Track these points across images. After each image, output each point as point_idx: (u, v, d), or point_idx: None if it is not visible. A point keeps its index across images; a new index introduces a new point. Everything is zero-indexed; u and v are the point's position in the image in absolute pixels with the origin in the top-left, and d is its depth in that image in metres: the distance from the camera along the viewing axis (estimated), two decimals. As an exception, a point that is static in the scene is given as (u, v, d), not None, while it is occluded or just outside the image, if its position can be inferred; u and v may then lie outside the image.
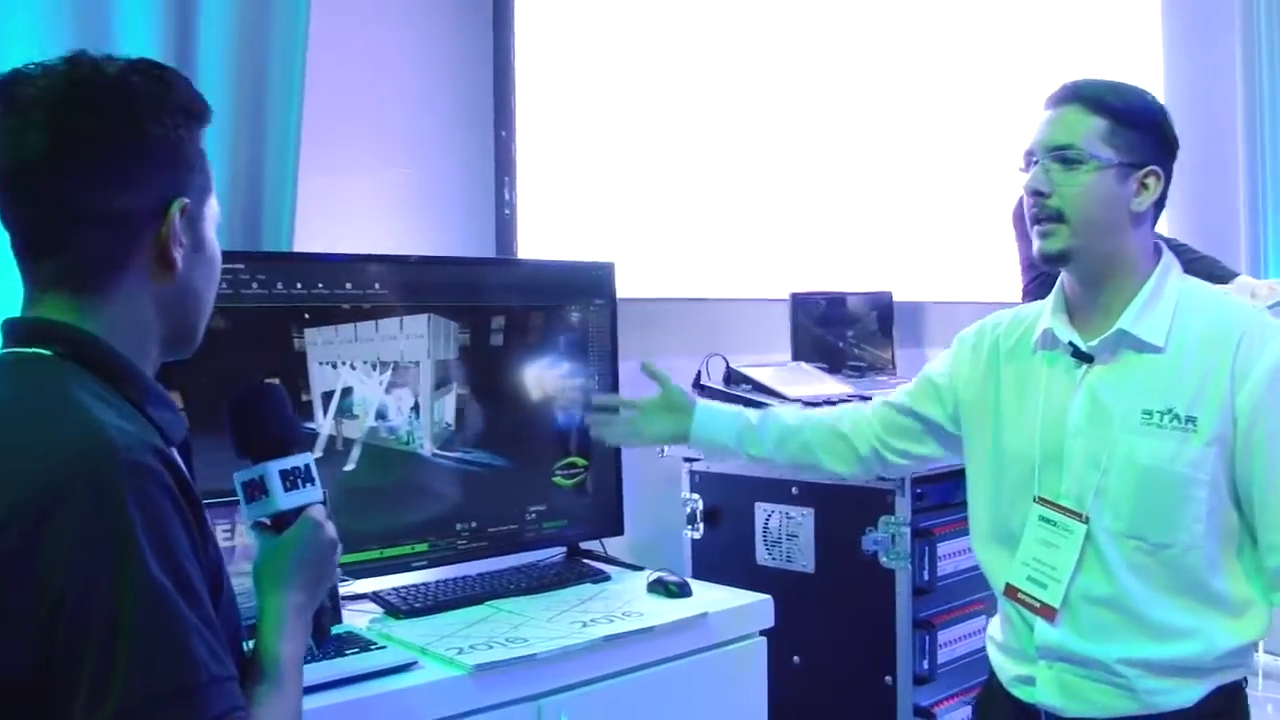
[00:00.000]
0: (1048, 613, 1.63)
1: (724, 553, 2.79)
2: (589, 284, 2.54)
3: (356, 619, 2.04)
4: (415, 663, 1.83)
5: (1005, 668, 1.74)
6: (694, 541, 2.88)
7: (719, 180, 3.25)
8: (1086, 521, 1.61)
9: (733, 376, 2.87)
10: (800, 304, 3.16)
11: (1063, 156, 1.60)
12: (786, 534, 2.69)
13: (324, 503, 1.26)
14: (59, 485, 0.95)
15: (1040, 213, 1.62)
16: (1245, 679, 1.64)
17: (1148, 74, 4.75)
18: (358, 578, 2.13)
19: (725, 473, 2.78)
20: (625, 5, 3.10)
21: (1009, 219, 3.42)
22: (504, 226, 2.90)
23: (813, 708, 2.63)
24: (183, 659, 0.95)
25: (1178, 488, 1.56)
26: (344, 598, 2.06)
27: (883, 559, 2.46)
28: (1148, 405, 1.58)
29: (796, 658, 2.63)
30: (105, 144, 1.06)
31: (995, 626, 1.80)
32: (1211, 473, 1.55)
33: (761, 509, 2.73)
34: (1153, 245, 1.67)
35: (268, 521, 1.23)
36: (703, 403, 2.07)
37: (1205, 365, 1.57)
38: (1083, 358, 1.65)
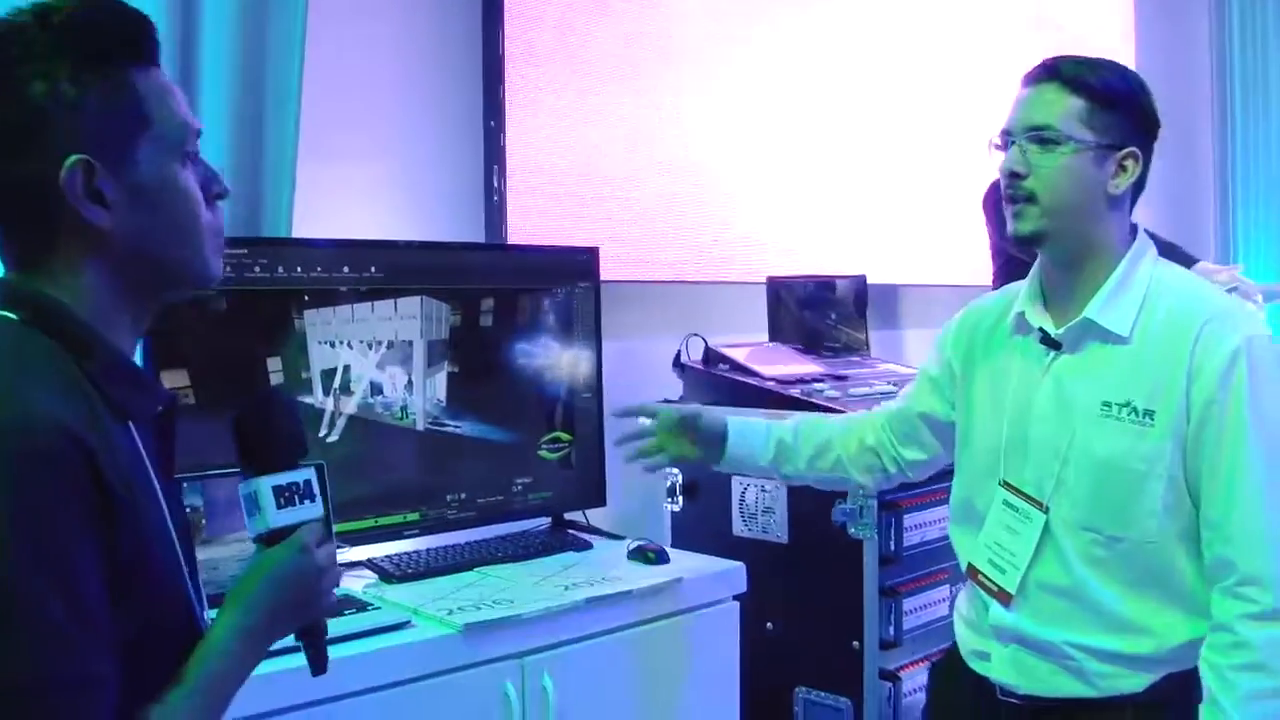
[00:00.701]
0: (1004, 598, 1.64)
1: (702, 524, 2.92)
2: (574, 268, 2.67)
3: (353, 583, 2.16)
4: (408, 622, 1.96)
5: (966, 640, 1.76)
6: (674, 514, 3.01)
7: (702, 167, 3.36)
8: (1046, 511, 1.60)
9: (711, 356, 2.99)
10: (777, 287, 3.28)
11: (1040, 137, 1.57)
12: (762, 506, 2.82)
13: (325, 520, 1.19)
14: None
15: (1016, 193, 1.58)
16: (1198, 666, 1.58)
17: (1118, 54, 4.86)
18: (353, 545, 2.26)
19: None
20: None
21: (980, 204, 3.55)
22: (493, 212, 3.02)
23: (785, 671, 2.78)
24: (14, 657, 0.91)
25: (1133, 481, 1.54)
26: (340, 564, 2.18)
27: (851, 529, 2.59)
28: (1107, 397, 1.56)
29: (770, 624, 2.77)
30: None
31: (962, 600, 1.80)
32: (1168, 467, 1.53)
33: (738, 482, 2.86)
34: (1129, 229, 1.64)
35: (265, 537, 1.16)
36: (734, 423, 1.96)
37: (1166, 357, 1.54)
38: (1052, 345, 1.63)
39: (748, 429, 1.97)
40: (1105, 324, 1.59)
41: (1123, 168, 1.59)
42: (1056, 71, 1.59)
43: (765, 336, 3.26)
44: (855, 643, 2.62)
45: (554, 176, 3.05)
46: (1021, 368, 1.67)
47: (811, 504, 2.69)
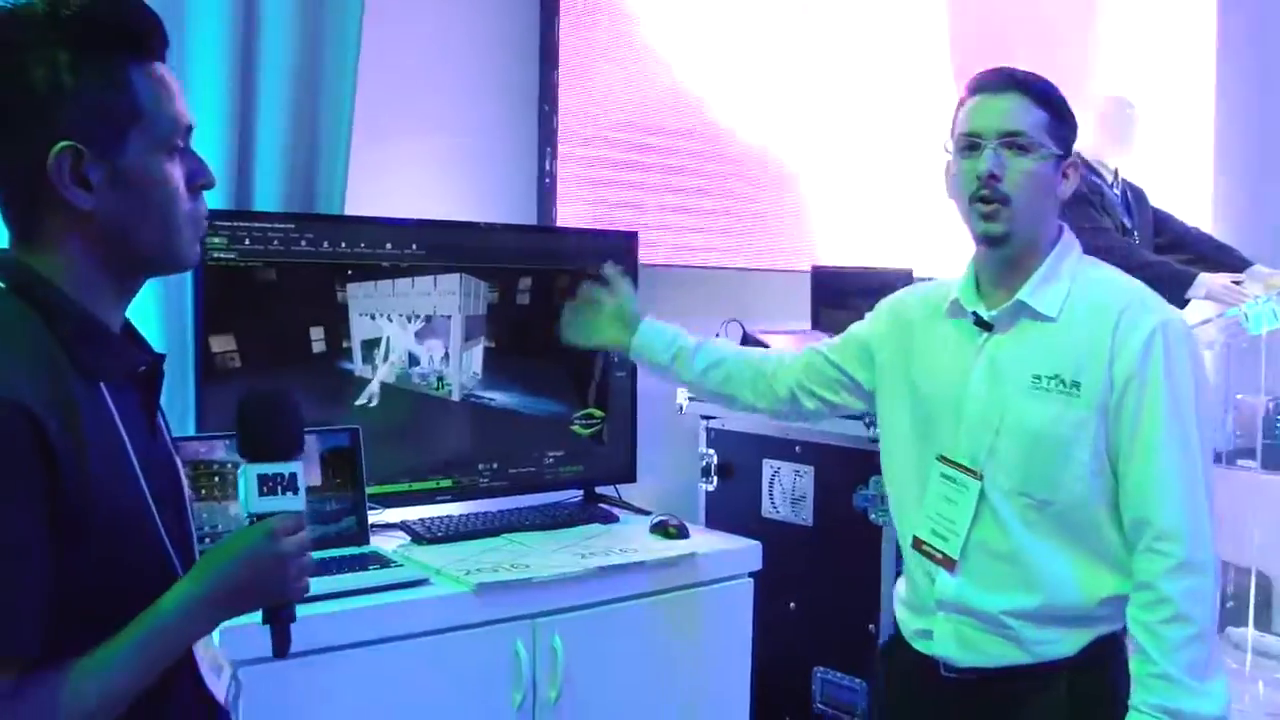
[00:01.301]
0: (948, 564, 1.72)
1: (734, 504, 3.00)
2: (612, 250, 2.75)
3: (386, 543, 2.29)
4: (427, 580, 2.09)
5: (907, 622, 1.83)
6: (708, 493, 3.10)
7: (750, 155, 3.43)
8: (980, 479, 1.70)
9: (747, 340, 3.06)
10: (820, 277, 3.33)
11: (1014, 143, 1.66)
12: (789, 489, 2.89)
13: (300, 515, 1.23)
14: None
15: (992, 195, 1.67)
16: (1122, 629, 1.70)
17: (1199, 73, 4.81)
18: (387, 507, 2.39)
19: (738, 430, 2.98)
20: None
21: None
22: (544, 195, 3.13)
23: (805, 651, 2.85)
24: None
25: (1060, 448, 1.65)
26: (375, 525, 2.31)
27: (871, 515, 2.65)
28: (1037, 370, 1.67)
29: (792, 603, 2.85)
30: None
31: (901, 585, 1.89)
32: (1093, 435, 1.64)
33: (768, 465, 2.94)
34: (1059, 227, 1.76)
35: (250, 519, 1.22)
36: (648, 320, 2.10)
37: (1090, 335, 1.65)
38: (984, 326, 1.74)
39: (657, 329, 2.10)
40: (1036, 306, 1.70)
41: (1066, 176, 1.73)
42: (1019, 83, 1.70)
43: (809, 325, 3.32)
44: (871, 626, 2.68)
45: (604, 161, 3.14)
46: (955, 349, 1.77)
47: (834, 488, 2.76)
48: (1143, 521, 1.64)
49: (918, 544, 1.78)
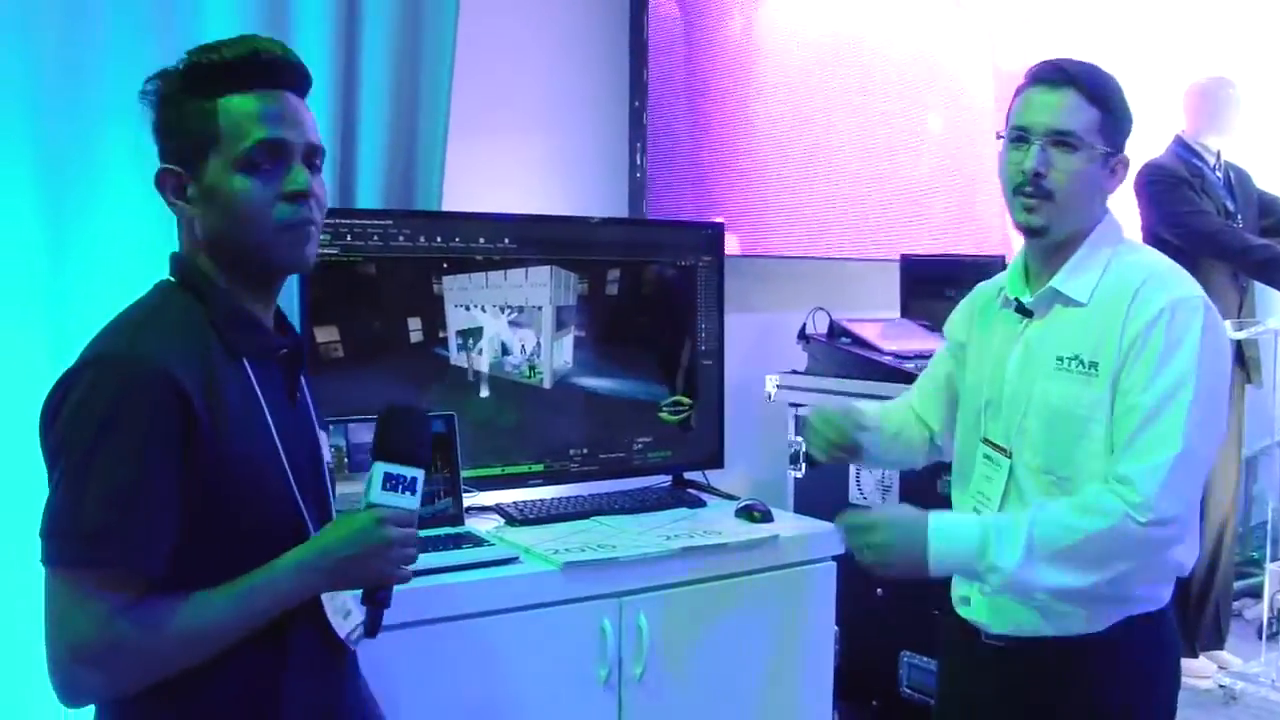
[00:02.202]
0: None
1: (822, 492, 3.04)
2: (699, 242, 2.83)
3: (481, 524, 2.40)
4: (517, 558, 2.18)
5: (956, 587, 1.91)
6: (796, 480, 3.15)
7: (840, 145, 3.46)
8: (1010, 457, 1.77)
9: (835, 329, 3.11)
10: (910, 266, 3.35)
11: (1064, 141, 1.69)
12: (878, 476, 2.93)
13: (412, 514, 1.38)
14: (81, 370, 1.25)
15: (1035, 190, 1.70)
16: (1165, 609, 1.74)
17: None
18: (481, 490, 2.49)
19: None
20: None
21: (1132, 187, 3.53)
22: (636, 188, 3.21)
23: (892, 635, 2.89)
24: (78, 510, 1.21)
25: (1077, 425, 1.69)
26: (471, 508, 2.42)
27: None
28: (1061, 352, 1.72)
29: (879, 590, 2.88)
30: (154, 134, 1.37)
31: None
32: (1108, 412, 1.67)
33: (855, 452, 2.97)
34: (1101, 214, 1.78)
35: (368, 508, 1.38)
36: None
37: (1109, 314, 1.69)
38: (1024, 312, 1.79)
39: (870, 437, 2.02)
40: (1067, 291, 1.74)
41: (1114, 172, 1.75)
42: (1074, 79, 1.71)
43: (898, 314, 3.35)
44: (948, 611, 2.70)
45: (694, 155, 3.21)
46: (1002, 335, 1.84)
47: (920, 474, 2.77)
48: (1121, 478, 1.63)
49: None
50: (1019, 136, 1.73)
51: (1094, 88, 1.71)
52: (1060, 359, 1.73)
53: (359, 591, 1.41)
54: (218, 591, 1.28)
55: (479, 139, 2.87)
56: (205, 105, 1.32)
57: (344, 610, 1.44)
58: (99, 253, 2.26)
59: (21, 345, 2.19)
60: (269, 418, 1.36)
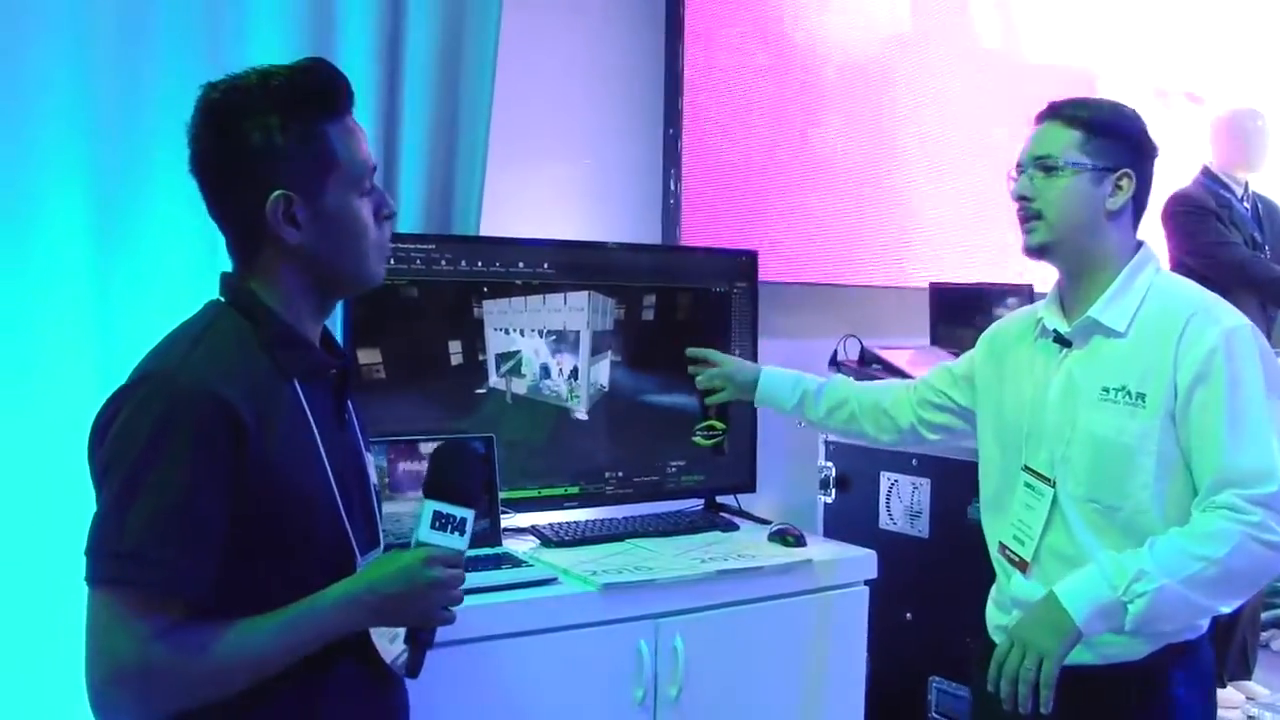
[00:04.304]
0: (1023, 566, 1.84)
1: (852, 516, 3.07)
2: (733, 269, 2.87)
3: (518, 545, 2.43)
4: (555, 579, 2.21)
5: (993, 617, 1.95)
6: (826, 505, 3.17)
7: (869, 172, 3.50)
8: (1053, 485, 1.80)
9: (866, 356, 3.13)
10: (939, 294, 3.38)
11: (1043, 165, 1.81)
12: (907, 501, 2.95)
13: (460, 555, 1.38)
14: (131, 388, 1.27)
15: (1025, 214, 1.84)
16: (1203, 638, 1.80)
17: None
18: (518, 511, 2.53)
19: (855, 444, 3.04)
20: (782, 13, 3.39)
21: (1158, 219, 3.56)
22: (669, 215, 3.25)
23: (921, 660, 2.90)
24: (125, 530, 1.21)
25: (1127, 456, 1.73)
26: (508, 529, 2.45)
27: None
28: (1106, 383, 1.77)
29: (909, 614, 2.90)
30: (216, 161, 1.34)
31: (994, 587, 1.99)
32: (1159, 443, 1.72)
33: (886, 477, 3.00)
34: (1134, 244, 1.85)
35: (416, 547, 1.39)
36: (768, 370, 2.31)
37: (1156, 347, 1.74)
38: (1063, 343, 1.85)
39: (778, 378, 2.31)
40: (1106, 321, 1.79)
41: (1118, 186, 1.80)
42: (1055, 110, 1.85)
43: (926, 341, 3.38)
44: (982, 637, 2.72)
45: (727, 183, 3.25)
46: (1041, 365, 1.88)
47: (950, 500, 2.81)
48: (1210, 485, 1.68)
49: (1002, 549, 1.90)
50: (1017, 170, 1.87)
51: (1073, 114, 1.82)
52: (1106, 389, 1.77)
53: None
54: (260, 620, 1.28)
55: (516, 166, 2.91)
56: (314, 129, 1.34)
57: (390, 635, 1.44)
58: (146, 273, 2.30)
59: (69, 365, 2.22)
60: (318, 438, 1.36)
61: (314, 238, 1.35)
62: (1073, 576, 1.70)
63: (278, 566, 1.31)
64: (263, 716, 1.31)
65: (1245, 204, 3.69)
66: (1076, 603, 1.66)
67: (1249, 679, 3.76)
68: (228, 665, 1.26)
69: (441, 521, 1.37)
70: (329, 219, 1.36)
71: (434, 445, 2.24)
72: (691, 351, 2.34)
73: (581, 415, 2.65)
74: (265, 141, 1.32)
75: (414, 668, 1.40)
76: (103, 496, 1.25)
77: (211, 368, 1.28)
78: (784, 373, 2.32)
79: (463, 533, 1.38)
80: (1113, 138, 1.81)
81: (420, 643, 1.39)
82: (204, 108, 1.35)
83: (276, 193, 1.32)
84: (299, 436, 1.34)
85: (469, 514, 1.39)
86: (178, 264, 2.32)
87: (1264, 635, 4.13)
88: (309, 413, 1.36)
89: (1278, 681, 3.82)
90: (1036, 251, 1.85)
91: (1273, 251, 3.70)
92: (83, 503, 1.96)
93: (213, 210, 1.39)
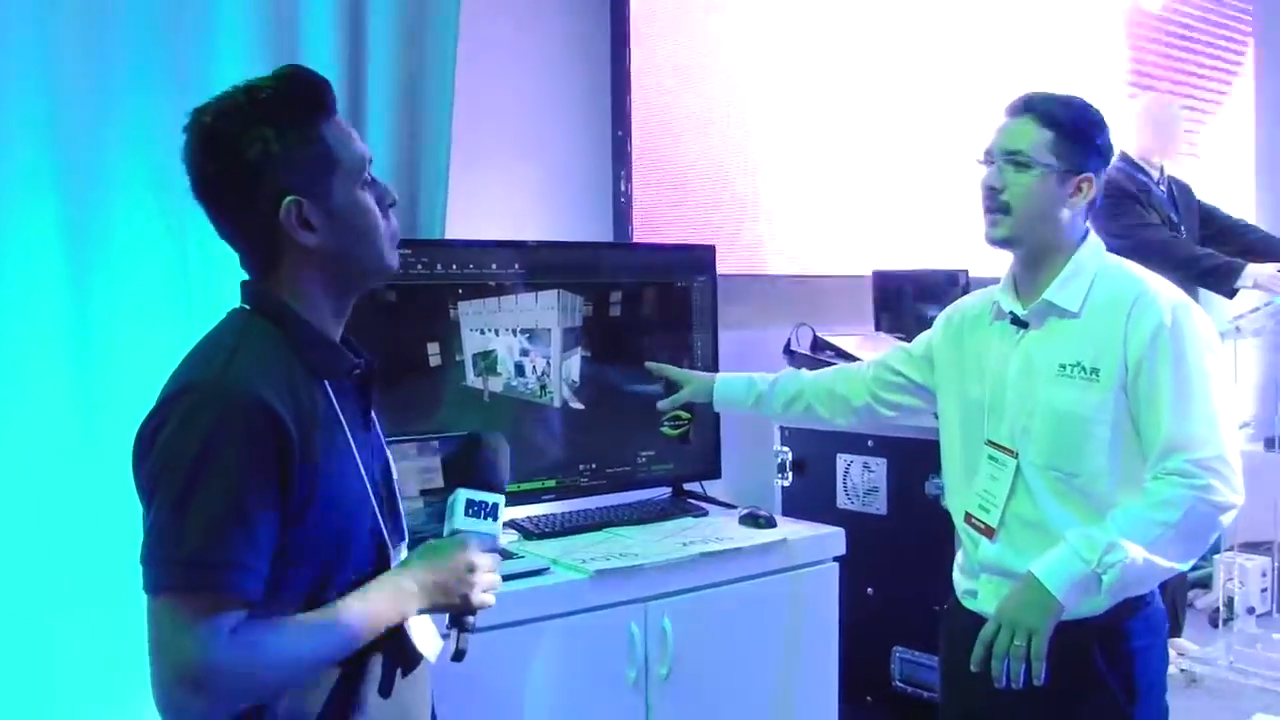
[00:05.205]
0: (989, 532, 1.95)
1: (810, 498, 3.19)
2: (693, 263, 2.97)
3: (502, 539, 2.48)
4: (548, 569, 2.29)
5: (960, 583, 2.07)
6: (784, 488, 3.29)
7: (815, 166, 3.63)
8: (1016, 456, 1.92)
9: (818, 344, 3.26)
10: (882, 280, 3.52)
11: (1015, 160, 1.89)
12: (863, 481, 3.08)
13: (495, 540, 1.45)
14: (175, 398, 1.28)
15: (992, 205, 1.92)
16: (1155, 593, 1.94)
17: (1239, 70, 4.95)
18: (499, 506, 2.59)
19: (811, 428, 3.16)
20: (725, 17, 3.49)
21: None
22: (620, 213, 3.34)
23: (884, 632, 3.04)
24: (181, 539, 1.23)
25: (1083, 426, 1.87)
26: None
27: (943, 501, 2.83)
28: (1063, 360, 1.89)
29: (870, 589, 3.03)
30: (221, 183, 1.36)
31: (959, 554, 2.10)
32: (1113, 414, 1.85)
33: (842, 459, 3.13)
34: (1084, 230, 1.96)
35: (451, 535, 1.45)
36: (722, 377, 2.46)
37: (1107, 325, 1.86)
38: (1020, 324, 1.96)
39: (731, 383, 2.44)
40: (1060, 303, 1.91)
41: (1079, 189, 1.91)
42: (1031, 106, 1.92)
43: (871, 327, 3.51)
44: (945, 605, 2.85)
45: (675, 180, 3.35)
46: (1000, 346, 2.00)
47: (907, 477, 2.94)
48: (1160, 451, 1.82)
49: (968, 518, 2.02)
50: (986, 159, 1.95)
51: (1048, 113, 1.90)
52: (1063, 366, 1.89)
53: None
54: (314, 616, 1.32)
55: (470, 169, 2.97)
56: (310, 132, 1.36)
57: (425, 627, 1.48)
58: (117, 282, 2.28)
59: (44, 375, 2.21)
60: (350, 437, 1.39)
61: (330, 237, 1.37)
62: (1047, 556, 1.82)
63: (322, 565, 1.35)
64: (311, 708, 1.35)
65: (1161, 187, 3.89)
66: (1055, 579, 1.79)
67: (1179, 636, 3.97)
68: (288, 662, 1.30)
69: (475, 509, 1.43)
70: (341, 216, 1.38)
71: (427, 444, 2.32)
72: (651, 366, 2.46)
73: (555, 410, 2.73)
74: (265, 153, 1.33)
75: (460, 653, 1.45)
76: (155, 506, 1.27)
77: (255, 374, 1.31)
78: (736, 378, 2.44)
79: (495, 518, 1.44)
80: (1082, 143, 1.90)
81: (465, 626, 1.45)
82: (198, 134, 1.36)
83: (288, 200, 1.34)
84: (335, 437, 1.37)
85: (500, 499, 1.45)
86: (149, 273, 2.32)
87: (1190, 594, 4.36)
88: (340, 414, 1.39)
89: (1205, 637, 4.06)
90: (1000, 242, 1.95)
91: (1187, 231, 3.91)
92: (57, 508, 1.97)
93: (224, 230, 1.41)
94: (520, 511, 2.66)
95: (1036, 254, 1.95)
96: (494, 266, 2.63)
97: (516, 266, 2.66)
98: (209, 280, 2.33)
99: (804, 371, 2.49)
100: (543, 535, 2.54)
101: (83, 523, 2.20)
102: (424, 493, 2.29)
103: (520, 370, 2.67)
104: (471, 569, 1.42)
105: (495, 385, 2.64)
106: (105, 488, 2.19)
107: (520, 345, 2.67)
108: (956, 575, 2.12)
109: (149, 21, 2.34)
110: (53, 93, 2.23)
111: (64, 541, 2.19)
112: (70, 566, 2.20)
